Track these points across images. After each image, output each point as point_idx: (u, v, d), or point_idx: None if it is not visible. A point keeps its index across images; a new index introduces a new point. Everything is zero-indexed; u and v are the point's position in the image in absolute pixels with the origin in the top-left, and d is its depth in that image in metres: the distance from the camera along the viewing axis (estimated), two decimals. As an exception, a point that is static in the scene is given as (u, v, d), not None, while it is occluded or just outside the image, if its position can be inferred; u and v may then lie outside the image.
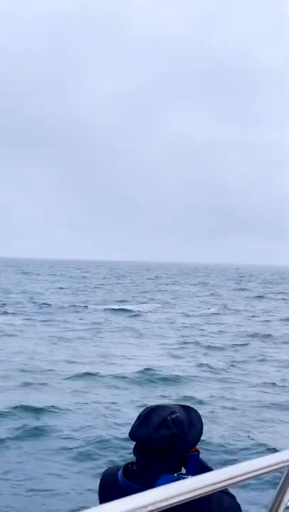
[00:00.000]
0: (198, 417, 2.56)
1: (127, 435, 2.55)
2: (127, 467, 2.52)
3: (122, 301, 46.26)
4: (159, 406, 2.53)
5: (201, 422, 2.56)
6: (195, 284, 79.85)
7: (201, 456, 2.54)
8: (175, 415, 2.47)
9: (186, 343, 23.79)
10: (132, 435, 2.50)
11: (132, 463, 2.53)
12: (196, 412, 2.59)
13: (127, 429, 2.52)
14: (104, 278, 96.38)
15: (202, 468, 2.47)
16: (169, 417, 2.45)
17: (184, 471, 2.46)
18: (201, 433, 2.53)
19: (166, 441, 2.41)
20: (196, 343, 23.82)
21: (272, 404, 13.55)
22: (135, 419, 2.54)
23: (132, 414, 9.74)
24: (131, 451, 2.52)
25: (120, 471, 2.52)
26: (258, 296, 57.30)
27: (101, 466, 8.92)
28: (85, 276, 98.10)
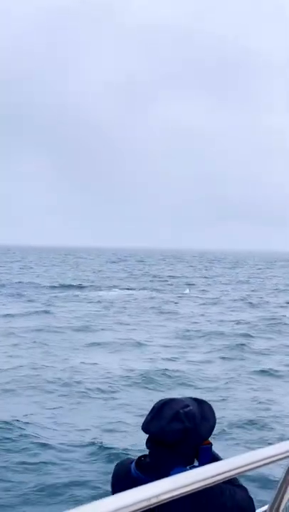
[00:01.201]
0: (211, 410, 2.60)
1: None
2: (140, 460, 2.57)
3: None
4: (173, 399, 2.58)
5: (214, 415, 2.60)
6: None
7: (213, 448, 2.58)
8: (188, 409, 2.51)
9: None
10: (145, 428, 2.55)
11: (144, 455, 2.58)
12: (209, 405, 2.63)
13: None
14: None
15: (214, 460, 2.48)
16: (181, 411, 2.49)
17: (196, 463, 2.51)
18: (213, 426, 2.57)
19: (178, 434, 2.46)
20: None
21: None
22: (148, 411, 2.59)
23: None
24: None
25: (133, 463, 2.57)
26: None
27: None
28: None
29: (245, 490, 2.56)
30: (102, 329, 23.60)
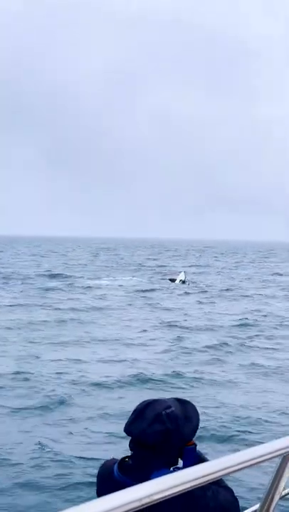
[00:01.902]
0: (195, 411, 2.61)
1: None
2: (124, 461, 2.58)
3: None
4: (155, 400, 2.58)
5: (198, 416, 2.61)
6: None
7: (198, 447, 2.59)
8: (170, 410, 2.51)
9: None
10: (127, 430, 2.55)
11: (128, 456, 2.58)
12: (192, 406, 2.63)
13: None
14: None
15: (199, 461, 2.50)
16: (163, 412, 2.49)
17: (180, 464, 2.52)
18: (197, 427, 2.58)
19: (160, 436, 2.46)
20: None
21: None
22: (131, 413, 2.59)
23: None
24: None
25: (116, 465, 2.57)
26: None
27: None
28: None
29: (229, 490, 2.55)
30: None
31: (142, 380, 13.94)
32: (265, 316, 26.70)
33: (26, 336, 19.62)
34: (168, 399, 2.61)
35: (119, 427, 9.61)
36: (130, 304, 30.02)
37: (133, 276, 49.94)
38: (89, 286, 38.68)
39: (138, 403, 2.61)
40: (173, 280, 43.99)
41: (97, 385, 13.43)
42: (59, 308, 27.02)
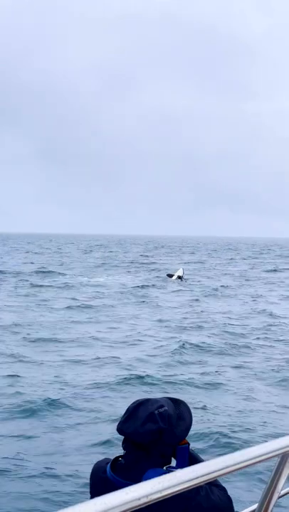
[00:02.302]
0: (188, 410, 2.64)
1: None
2: (117, 460, 2.59)
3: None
4: (148, 400, 2.60)
5: (191, 415, 2.63)
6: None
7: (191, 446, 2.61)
8: (163, 409, 2.53)
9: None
10: (119, 429, 2.57)
11: (121, 456, 2.59)
12: (185, 405, 2.66)
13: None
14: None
15: (192, 460, 2.54)
16: (156, 411, 2.51)
17: (174, 463, 2.54)
18: (190, 426, 2.60)
19: (153, 435, 2.47)
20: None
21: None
22: (123, 412, 2.61)
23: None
24: None
25: (109, 464, 2.58)
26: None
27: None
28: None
29: (223, 489, 2.56)
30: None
31: (134, 380, 13.78)
32: (259, 312, 26.70)
33: (15, 336, 19.41)
34: (160, 398, 2.63)
35: (111, 429, 9.36)
36: (123, 302, 29.89)
37: (128, 272, 50.07)
38: (82, 284, 38.63)
39: (130, 403, 2.62)
40: (170, 275, 44.32)
41: (89, 387, 13.22)
42: (52, 307, 26.91)
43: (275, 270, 57.09)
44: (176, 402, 2.63)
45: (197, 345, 18.41)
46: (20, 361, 15.67)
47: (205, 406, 11.90)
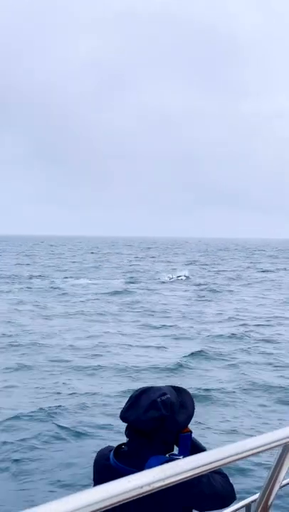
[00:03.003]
0: (190, 398, 2.67)
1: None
2: (119, 448, 2.61)
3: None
4: (150, 388, 2.63)
5: (193, 403, 2.66)
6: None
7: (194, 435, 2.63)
8: (165, 397, 2.56)
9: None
10: (122, 417, 2.60)
11: (124, 443, 2.62)
12: (187, 393, 2.69)
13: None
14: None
15: (195, 448, 2.56)
16: (159, 399, 2.54)
17: (176, 451, 2.56)
18: (192, 414, 2.63)
19: (155, 422, 2.51)
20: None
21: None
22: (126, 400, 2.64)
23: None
24: None
25: (112, 452, 2.61)
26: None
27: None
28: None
29: (225, 477, 2.58)
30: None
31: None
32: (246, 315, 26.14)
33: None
34: (163, 386, 2.67)
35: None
36: (108, 305, 28.93)
37: (123, 274, 49.73)
38: (69, 286, 38.14)
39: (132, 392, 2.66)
40: (170, 277, 45.59)
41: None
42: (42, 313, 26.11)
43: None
44: (179, 391, 2.67)
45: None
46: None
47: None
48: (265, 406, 11.90)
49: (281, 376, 14.33)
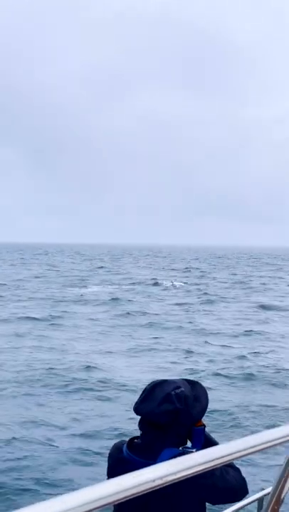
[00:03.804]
0: (204, 391, 2.67)
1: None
2: (133, 441, 2.64)
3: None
4: (164, 381, 2.64)
5: (207, 396, 2.67)
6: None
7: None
8: (179, 390, 2.57)
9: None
10: (136, 409, 2.62)
11: (137, 437, 2.64)
12: (201, 386, 2.70)
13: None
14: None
15: (207, 442, 2.57)
16: (173, 392, 2.55)
17: (189, 444, 2.58)
18: (206, 408, 2.64)
19: (169, 415, 2.52)
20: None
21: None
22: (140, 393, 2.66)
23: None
24: None
25: (125, 444, 2.63)
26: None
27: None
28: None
29: (237, 470, 2.60)
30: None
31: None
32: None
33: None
34: (177, 379, 2.68)
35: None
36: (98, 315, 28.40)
37: (119, 285, 48.52)
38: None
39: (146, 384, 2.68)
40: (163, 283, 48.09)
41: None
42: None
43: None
44: (192, 383, 2.67)
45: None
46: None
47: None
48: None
49: None
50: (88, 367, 15.20)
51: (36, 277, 52.65)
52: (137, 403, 2.62)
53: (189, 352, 17.99)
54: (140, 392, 2.66)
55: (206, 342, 19.93)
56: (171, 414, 2.51)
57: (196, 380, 2.75)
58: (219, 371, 15.21)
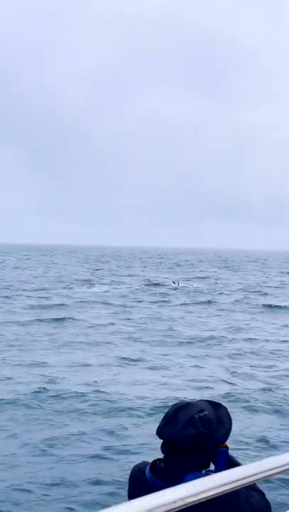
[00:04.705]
0: (227, 414, 2.65)
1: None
2: (155, 464, 2.62)
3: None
4: (188, 403, 2.62)
5: (230, 419, 2.64)
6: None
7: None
8: (203, 413, 2.54)
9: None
10: (159, 433, 2.59)
11: (160, 459, 2.62)
12: (225, 409, 2.67)
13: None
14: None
15: (231, 464, 2.54)
16: (196, 415, 2.53)
17: (212, 467, 2.56)
18: (229, 430, 2.61)
19: (193, 440, 2.50)
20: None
21: None
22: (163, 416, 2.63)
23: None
24: None
25: (148, 467, 2.62)
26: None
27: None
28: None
29: (262, 494, 2.57)
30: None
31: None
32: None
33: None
34: (200, 401, 2.66)
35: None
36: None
37: (123, 284, 48.83)
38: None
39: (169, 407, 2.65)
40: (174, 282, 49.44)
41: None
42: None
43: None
44: (216, 406, 2.64)
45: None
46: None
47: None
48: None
49: None
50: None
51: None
52: (159, 426, 2.60)
53: None
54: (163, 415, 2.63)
55: None
56: (195, 439, 2.48)
57: (219, 401, 2.71)
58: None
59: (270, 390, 13.71)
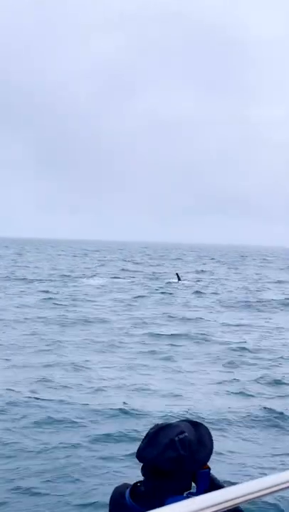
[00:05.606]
0: (208, 434, 2.59)
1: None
2: (136, 486, 2.56)
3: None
4: (168, 425, 2.57)
5: (211, 439, 2.58)
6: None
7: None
8: (183, 435, 2.49)
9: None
10: (139, 456, 2.54)
11: (141, 481, 2.57)
12: (206, 429, 2.62)
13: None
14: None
15: (213, 486, 2.51)
16: (176, 438, 2.47)
17: (194, 489, 2.50)
18: (211, 451, 2.55)
19: (173, 463, 2.44)
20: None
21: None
22: (143, 438, 2.58)
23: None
24: None
25: (128, 490, 2.56)
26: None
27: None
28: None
29: None
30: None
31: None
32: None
33: None
34: (180, 422, 2.60)
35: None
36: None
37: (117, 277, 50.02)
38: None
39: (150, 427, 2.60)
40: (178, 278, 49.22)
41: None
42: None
43: None
44: (196, 426, 2.59)
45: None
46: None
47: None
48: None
49: None
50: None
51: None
52: (139, 449, 2.54)
53: None
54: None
55: None
56: (175, 461, 2.43)
57: (198, 421, 2.65)
58: None
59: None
